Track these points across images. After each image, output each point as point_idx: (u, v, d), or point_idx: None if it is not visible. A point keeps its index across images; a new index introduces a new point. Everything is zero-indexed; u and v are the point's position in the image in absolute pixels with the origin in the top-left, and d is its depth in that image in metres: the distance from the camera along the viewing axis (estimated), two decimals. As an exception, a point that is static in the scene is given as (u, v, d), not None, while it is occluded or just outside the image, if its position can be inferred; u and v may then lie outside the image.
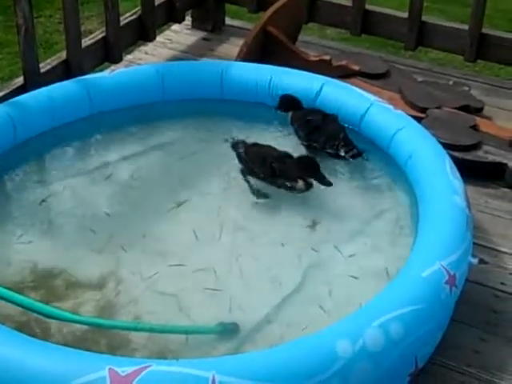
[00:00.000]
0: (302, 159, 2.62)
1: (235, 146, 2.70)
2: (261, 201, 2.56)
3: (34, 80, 2.98)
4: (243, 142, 2.70)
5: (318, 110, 2.88)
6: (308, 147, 2.79)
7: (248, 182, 2.61)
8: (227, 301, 2.17)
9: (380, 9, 3.74)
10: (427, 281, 2.05)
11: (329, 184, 2.54)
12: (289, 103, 2.91)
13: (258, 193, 2.57)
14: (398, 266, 2.17)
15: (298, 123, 2.85)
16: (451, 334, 2.21)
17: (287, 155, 2.63)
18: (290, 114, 2.89)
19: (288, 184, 2.56)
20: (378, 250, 2.38)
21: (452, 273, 2.09)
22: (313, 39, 3.95)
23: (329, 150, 2.73)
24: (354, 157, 2.71)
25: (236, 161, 2.67)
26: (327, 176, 2.54)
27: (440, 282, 2.06)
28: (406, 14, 3.57)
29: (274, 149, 2.67)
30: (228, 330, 2.08)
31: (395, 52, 4.25)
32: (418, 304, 1.99)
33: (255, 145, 2.69)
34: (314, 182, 2.55)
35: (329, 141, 2.73)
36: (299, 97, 2.90)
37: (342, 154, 2.71)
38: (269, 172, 2.57)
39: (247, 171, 2.63)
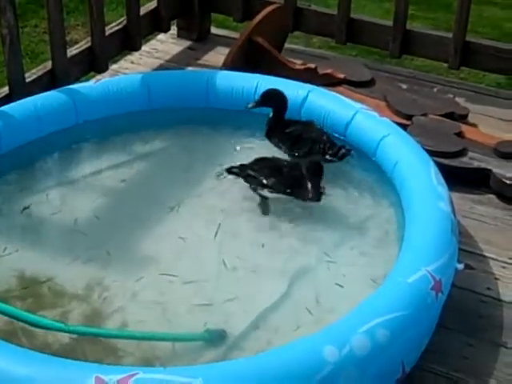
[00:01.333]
0: (312, 163, 2.59)
1: (232, 171, 2.62)
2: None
3: (19, 90, 2.97)
4: (236, 166, 2.62)
5: (296, 120, 2.85)
6: (294, 157, 2.77)
7: (263, 196, 2.57)
8: (214, 308, 2.18)
9: (365, 17, 3.77)
10: (413, 287, 2.06)
11: (316, 199, 2.51)
12: (272, 98, 2.84)
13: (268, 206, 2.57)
14: (384, 272, 2.18)
15: (278, 138, 2.81)
16: (438, 340, 2.22)
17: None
18: (265, 128, 2.84)
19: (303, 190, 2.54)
20: (364, 256, 2.39)
21: (438, 278, 2.10)
22: (299, 47, 3.96)
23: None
24: (342, 157, 2.69)
25: (222, 170, 2.65)
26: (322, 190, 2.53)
27: (426, 288, 2.06)
28: (390, 23, 3.58)
29: (280, 159, 2.65)
30: (215, 337, 2.08)
31: (382, 59, 4.26)
32: (404, 310, 1.99)
33: (263, 159, 2.63)
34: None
35: (313, 147, 2.72)
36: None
37: (329, 157, 2.69)
38: (289, 182, 2.55)
39: (262, 185, 2.57)
